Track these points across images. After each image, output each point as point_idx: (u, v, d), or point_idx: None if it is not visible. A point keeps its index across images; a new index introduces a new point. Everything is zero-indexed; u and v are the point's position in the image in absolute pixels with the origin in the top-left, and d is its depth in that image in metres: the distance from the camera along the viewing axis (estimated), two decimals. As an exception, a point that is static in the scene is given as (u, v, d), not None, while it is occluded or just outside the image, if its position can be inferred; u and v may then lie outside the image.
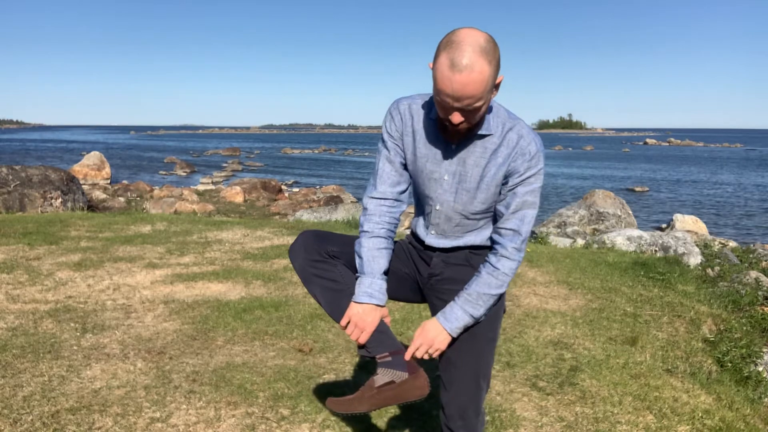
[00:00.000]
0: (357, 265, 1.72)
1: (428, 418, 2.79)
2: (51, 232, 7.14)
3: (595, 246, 7.85)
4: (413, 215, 1.88)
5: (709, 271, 6.88)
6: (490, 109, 1.63)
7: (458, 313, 1.68)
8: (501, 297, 1.77)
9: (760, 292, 5.69)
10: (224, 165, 37.60)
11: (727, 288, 5.90)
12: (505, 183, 1.65)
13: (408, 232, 1.93)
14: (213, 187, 22.09)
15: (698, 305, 4.78)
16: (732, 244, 10.60)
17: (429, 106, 1.68)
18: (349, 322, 1.69)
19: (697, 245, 7.99)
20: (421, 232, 1.81)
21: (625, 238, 7.85)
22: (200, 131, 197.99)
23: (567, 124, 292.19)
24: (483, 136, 1.63)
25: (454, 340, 1.73)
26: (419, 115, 1.69)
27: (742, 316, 5.01)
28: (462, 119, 1.51)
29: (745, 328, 4.62)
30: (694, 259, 7.25)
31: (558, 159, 52.43)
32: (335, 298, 1.74)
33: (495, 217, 1.72)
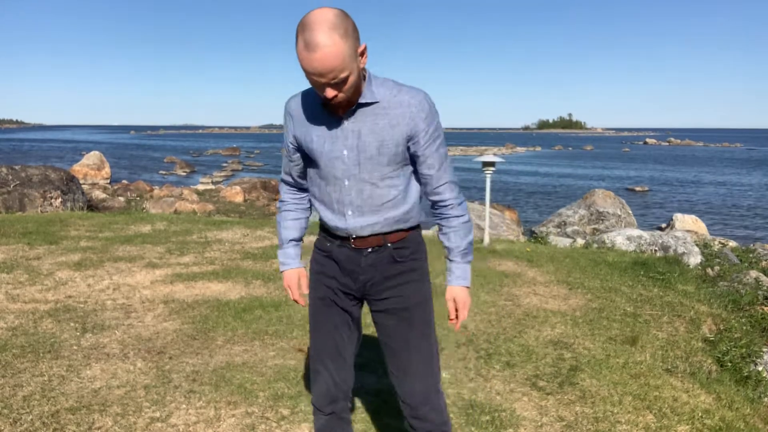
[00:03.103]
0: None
1: (428, 417, 2.79)
2: (51, 231, 7.14)
3: (595, 246, 7.86)
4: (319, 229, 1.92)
5: (709, 270, 6.88)
6: (371, 80, 1.70)
7: (465, 267, 1.87)
8: (427, 280, 1.90)
9: (760, 292, 5.69)
10: (224, 165, 37.60)
11: (727, 288, 5.91)
12: (414, 143, 1.73)
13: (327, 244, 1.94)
14: (213, 186, 22.09)
15: (698, 305, 4.78)
16: (732, 243, 10.60)
17: (315, 91, 1.75)
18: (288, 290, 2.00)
19: (696, 245, 7.99)
20: (339, 223, 1.80)
21: (625, 237, 7.85)
22: (200, 131, 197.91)
23: (567, 123, 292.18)
24: (370, 104, 1.70)
25: (396, 327, 1.86)
26: (308, 103, 1.77)
27: (742, 315, 5.01)
28: (335, 92, 1.59)
29: (745, 327, 4.62)
30: (694, 259, 7.25)
31: (558, 159, 52.41)
32: None
33: (421, 182, 1.81)
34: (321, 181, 1.80)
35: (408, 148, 1.74)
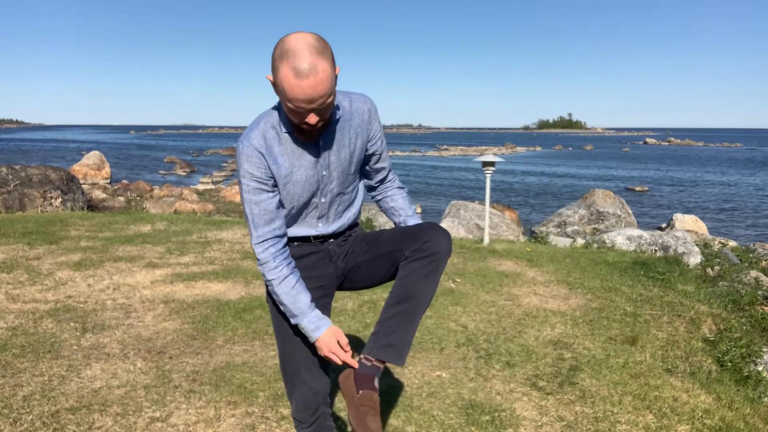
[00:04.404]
0: (285, 311, 1.75)
1: (428, 417, 2.79)
2: (51, 231, 7.15)
3: (595, 246, 7.86)
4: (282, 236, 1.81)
5: (709, 270, 6.89)
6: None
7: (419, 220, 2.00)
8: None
9: (759, 292, 5.69)
10: (224, 165, 37.58)
11: (727, 287, 5.91)
12: (373, 144, 1.85)
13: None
14: (213, 186, 22.10)
15: (698, 305, 4.78)
16: (732, 243, 10.60)
17: (280, 121, 1.69)
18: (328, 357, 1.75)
19: (696, 245, 7.99)
20: (307, 232, 1.83)
21: (625, 237, 7.85)
22: (200, 131, 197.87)
23: (567, 123, 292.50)
24: (336, 122, 1.73)
25: (370, 257, 1.85)
26: (275, 136, 1.69)
27: (742, 315, 5.01)
28: (318, 118, 1.58)
29: (745, 327, 4.62)
30: (694, 259, 7.25)
31: (558, 159, 52.42)
32: None
33: (370, 175, 1.96)
34: (294, 207, 1.77)
35: (368, 149, 1.86)
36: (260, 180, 1.68)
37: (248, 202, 1.71)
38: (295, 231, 1.82)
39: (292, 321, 1.75)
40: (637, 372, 3.37)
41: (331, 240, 1.87)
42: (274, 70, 1.54)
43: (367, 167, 1.93)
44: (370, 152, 1.87)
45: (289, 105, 1.55)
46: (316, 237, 1.84)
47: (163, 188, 19.34)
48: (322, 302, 1.89)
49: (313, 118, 1.56)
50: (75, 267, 5.43)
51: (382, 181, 2.00)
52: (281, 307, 1.76)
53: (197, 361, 3.35)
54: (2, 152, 50.55)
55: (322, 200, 1.78)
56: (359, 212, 1.94)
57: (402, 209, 2.00)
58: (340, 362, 1.73)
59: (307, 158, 1.71)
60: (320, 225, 1.83)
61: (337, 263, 1.89)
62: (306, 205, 1.77)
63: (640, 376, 3.32)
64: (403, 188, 2.04)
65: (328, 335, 1.73)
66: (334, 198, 1.81)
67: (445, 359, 3.48)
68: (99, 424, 2.62)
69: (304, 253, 1.84)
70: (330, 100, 1.56)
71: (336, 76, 1.59)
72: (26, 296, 4.52)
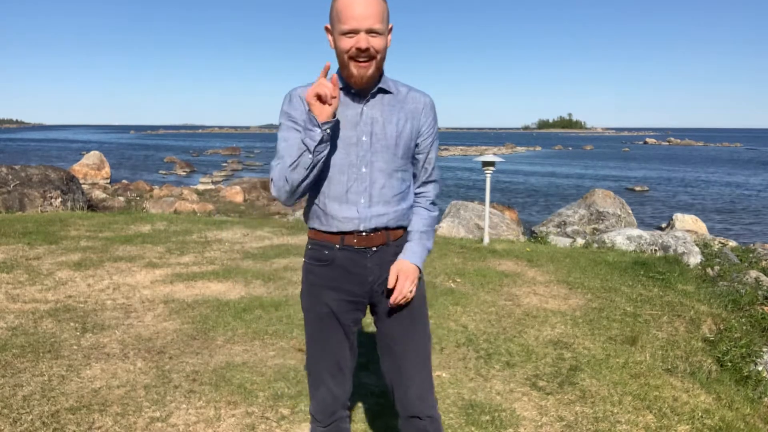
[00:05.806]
0: (303, 159, 1.68)
1: (428, 417, 2.79)
2: (51, 231, 7.14)
3: (595, 245, 7.86)
4: (318, 224, 1.82)
5: (708, 270, 6.88)
6: (386, 76, 1.81)
7: (419, 249, 1.87)
8: (422, 277, 1.92)
9: (760, 292, 5.69)
10: (224, 164, 37.59)
11: (727, 287, 5.91)
12: (423, 139, 1.86)
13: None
14: (213, 186, 22.09)
15: (698, 305, 4.78)
16: (732, 243, 10.60)
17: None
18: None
19: (696, 245, 7.99)
20: (349, 213, 1.78)
21: (625, 237, 7.85)
22: (200, 131, 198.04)
23: (567, 123, 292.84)
24: (386, 92, 1.79)
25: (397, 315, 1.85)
26: None
27: (742, 315, 5.01)
28: (367, 44, 1.64)
29: (745, 327, 4.63)
30: (694, 259, 7.25)
31: (558, 158, 52.42)
32: None
33: (414, 175, 1.92)
34: (333, 170, 1.76)
35: (417, 145, 1.86)
36: (294, 120, 1.76)
37: (280, 139, 1.78)
38: (337, 210, 1.77)
39: (308, 148, 1.67)
40: (637, 372, 3.37)
41: (374, 249, 1.81)
42: (333, 6, 1.66)
43: (413, 170, 1.90)
44: (419, 148, 1.87)
45: (343, 27, 1.64)
46: (350, 233, 1.78)
47: (163, 188, 19.34)
48: (353, 316, 1.86)
49: (363, 42, 1.63)
50: (75, 267, 5.43)
51: (420, 192, 1.93)
52: (303, 160, 1.68)
53: (197, 361, 3.35)
54: (2, 152, 50.54)
55: (363, 170, 1.76)
56: (407, 214, 1.87)
57: (410, 231, 1.89)
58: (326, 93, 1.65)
59: (350, 118, 1.76)
60: (362, 201, 1.77)
61: (373, 286, 1.85)
62: (346, 170, 1.75)
63: (640, 376, 3.32)
64: (430, 210, 1.93)
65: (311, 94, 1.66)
66: (377, 174, 1.77)
67: (445, 359, 3.48)
68: (99, 424, 2.62)
69: (346, 261, 1.80)
70: (380, 28, 1.64)
71: (389, 21, 1.69)
72: (26, 296, 4.52)
